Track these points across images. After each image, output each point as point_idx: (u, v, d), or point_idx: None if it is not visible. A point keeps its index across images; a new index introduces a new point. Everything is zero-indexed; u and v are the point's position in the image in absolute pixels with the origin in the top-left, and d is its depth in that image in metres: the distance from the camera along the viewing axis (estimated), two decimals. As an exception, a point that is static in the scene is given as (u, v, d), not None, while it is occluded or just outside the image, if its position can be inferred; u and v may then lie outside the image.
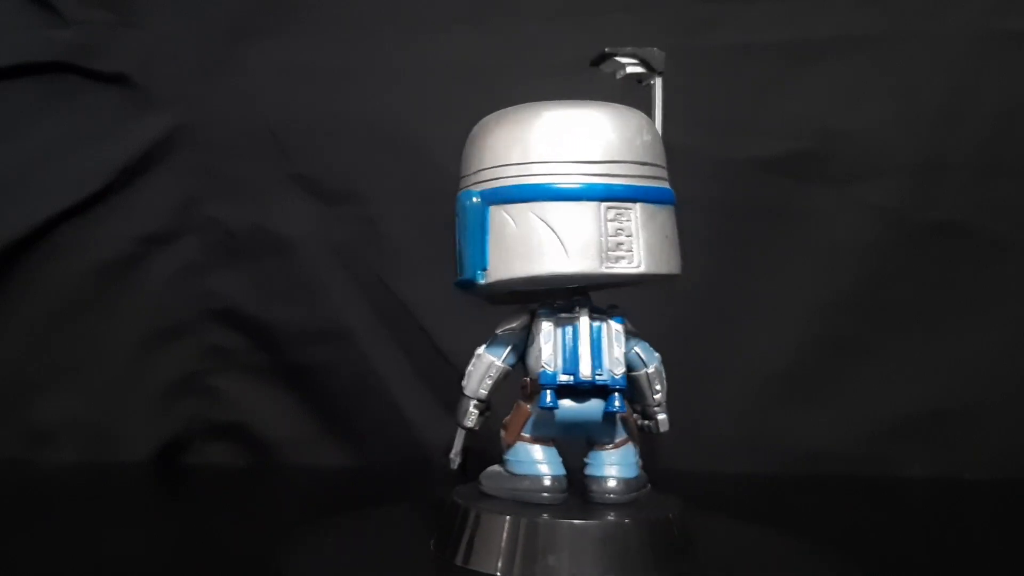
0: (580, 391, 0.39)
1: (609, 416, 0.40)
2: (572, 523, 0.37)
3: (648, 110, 0.42)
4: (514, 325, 0.41)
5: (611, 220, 0.38)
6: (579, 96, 0.41)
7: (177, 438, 0.69)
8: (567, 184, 0.38)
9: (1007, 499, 0.63)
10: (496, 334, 0.42)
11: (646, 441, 0.43)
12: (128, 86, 0.68)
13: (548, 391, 0.39)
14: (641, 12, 0.67)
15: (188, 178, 0.68)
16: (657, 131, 0.41)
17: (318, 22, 0.68)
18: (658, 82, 0.43)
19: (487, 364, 0.42)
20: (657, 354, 0.42)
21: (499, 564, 0.37)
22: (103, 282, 0.68)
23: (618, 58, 0.43)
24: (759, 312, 0.68)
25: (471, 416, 0.42)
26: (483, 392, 0.42)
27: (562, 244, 0.38)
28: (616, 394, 0.39)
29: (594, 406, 0.39)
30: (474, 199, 0.39)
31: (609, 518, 0.38)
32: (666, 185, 0.41)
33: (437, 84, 0.67)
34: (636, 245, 0.38)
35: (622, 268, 0.38)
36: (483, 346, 0.42)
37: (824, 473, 0.66)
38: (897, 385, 0.67)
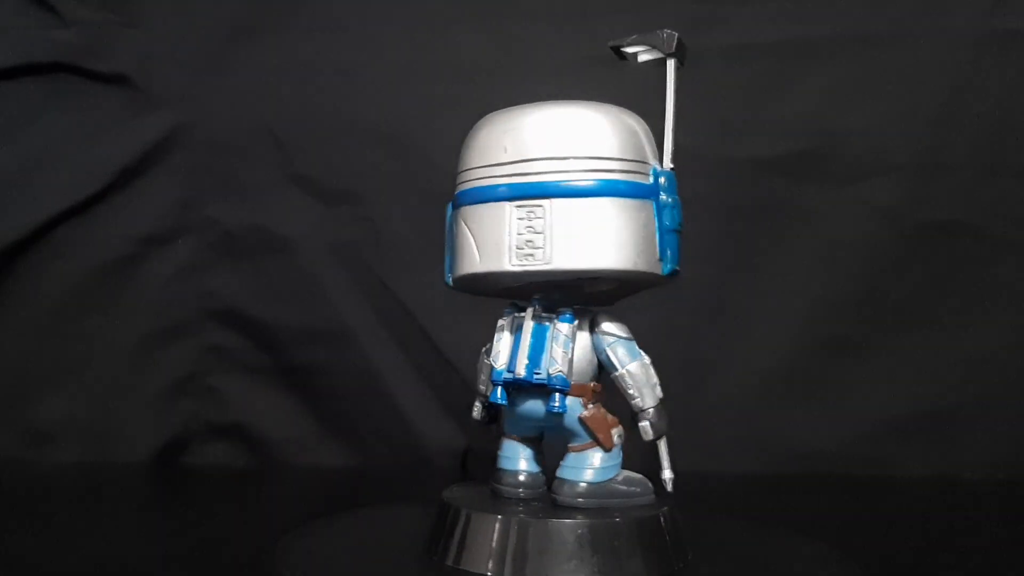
0: (531, 389, 0.39)
1: (554, 416, 0.39)
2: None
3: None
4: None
5: (520, 219, 0.38)
6: (578, 96, 0.41)
7: (177, 438, 0.69)
8: (478, 187, 0.39)
9: (1007, 499, 0.63)
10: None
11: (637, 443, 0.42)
12: (128, 86, 0.68)
13: (497, 387, 0.40)
14: (641, 12, 0.67)
15: (188, 178, 0.69)
16: (611, 122, 0.39)
17: (318, 22, 0.68)
18: (669, 64, 0.42)
19: (482, 361, 0.42)
20: (642, 359, 0.40)
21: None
22: (103, 282, 0.68)
23: (624, 48, 0.42)
24: (759, 312, 0.68)
25: (474, 409, 0.43)
26: (482, 387, 0.42)
27: (476, 245, 0.39)
28: (556, 394, 0.39)
29: (541, 406, 0.39)
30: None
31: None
32: (605, 177, 0.38)
33: (437, 84, 0.67)
34: (546, 242, 0.38)
35: (532, 266, 0.38)
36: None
37: (824, 473, 0.66)
38: (897, 385, 0.68)
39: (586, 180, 0.38)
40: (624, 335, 0.40)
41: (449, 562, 0.38)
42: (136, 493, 0.62)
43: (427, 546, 0.40)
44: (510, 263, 0.38)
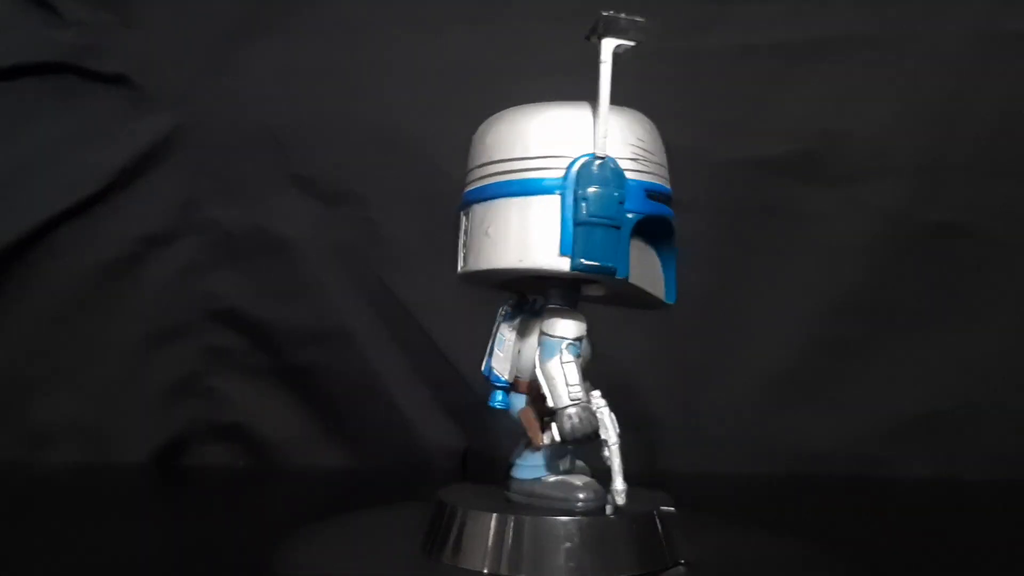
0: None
1: (496, 411, 0.40)
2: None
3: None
4: None
5: (463, 226, 0.40)
6: (576, 97, 0.41)
7: (177, 439, 0.69)
8: None
9: (1007, 499, 0.63)
10: None
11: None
12: (128, 86, 0.68)
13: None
14: (641, 13, 0.67)
15: (188, 178, 0.69)
16: (518, 121, 0.39)
17: (318, 22, 0.68)
18: (602, 44, 0.40)
19: None
20: (561, 357, 0.38)
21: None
22: (103, 282, 0.68)
23: (591, 39, 0.42)
24: (759, 313, 0.68)
25: None
26: None
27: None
28: (495, 391, 0.40)
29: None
30: None
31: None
32: (504, 179, 0.39)
33: (437, 84, 0.67)
34: (467, 246, 0.40)
35: (462, 269, 0.40)
36: None
37: (824, 473, 0.66)
38: (897, 385, 0.68)
39: (494, 181, 0.39)
40: (554, 334, 0.39)
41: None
42: (136, 493, 0.62)
43: (424, 544, 0.40)
44: (458, 266, 0.41)
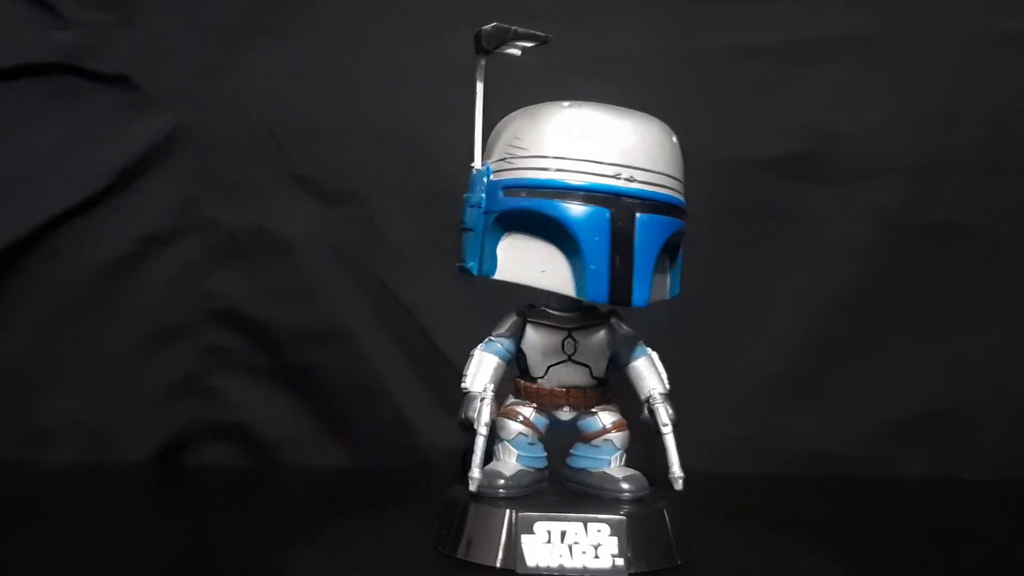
0: None
1: None
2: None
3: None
4: None
5: None
6: (574, 98, 0.41)
7: (177, 438, 0.69)
8: None
9: (1006, 499, 0.63)
10: None
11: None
12: (128, 87, 0.68)
13: None
14: (640, 14, 0.67)
15: (188, 178, 0.68)
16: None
17: (318, 23, 0.68)
18: (479, 62, 0.43)
19: None
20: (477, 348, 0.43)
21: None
22: (103, 282, 0.68)
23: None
24: (759, 312, 0.68)
25: None
26: None
27: None
28: None
29: None
30: None
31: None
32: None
33: (437, 84, 0.67)
34: None
35: None
36: None
37: (824, 473, 0.67)
38: (897, 385, 0.68)
39: None
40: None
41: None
42: (136, 493, 0.62)
43: (435, 541, 0.40)
44: None
